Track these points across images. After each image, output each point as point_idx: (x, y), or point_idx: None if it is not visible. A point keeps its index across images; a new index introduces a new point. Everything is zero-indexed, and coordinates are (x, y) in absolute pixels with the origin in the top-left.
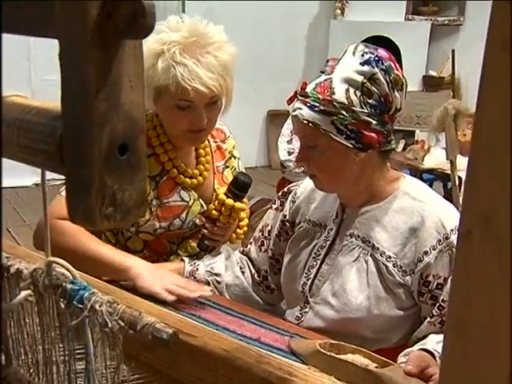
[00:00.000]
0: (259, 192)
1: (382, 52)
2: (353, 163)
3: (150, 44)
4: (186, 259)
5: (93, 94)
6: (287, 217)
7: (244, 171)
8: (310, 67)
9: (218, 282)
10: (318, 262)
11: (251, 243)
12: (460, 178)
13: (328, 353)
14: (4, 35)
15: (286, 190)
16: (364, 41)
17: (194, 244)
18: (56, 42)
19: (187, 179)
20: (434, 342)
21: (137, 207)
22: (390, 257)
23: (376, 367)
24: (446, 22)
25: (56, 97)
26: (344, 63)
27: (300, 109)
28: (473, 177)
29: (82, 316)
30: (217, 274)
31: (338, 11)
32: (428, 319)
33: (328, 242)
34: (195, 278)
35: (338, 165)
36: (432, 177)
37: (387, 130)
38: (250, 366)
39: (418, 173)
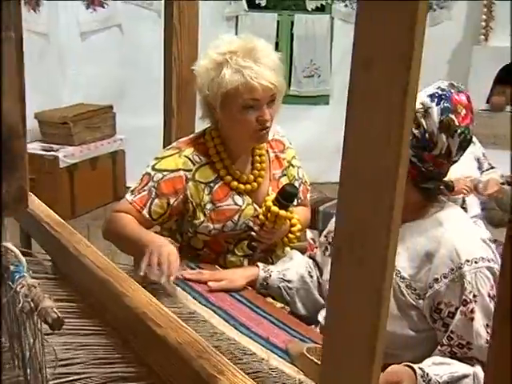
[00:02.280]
0: None
1: (460, 96)
2: None
3: (211, 58)
4: (261, 265)
5: None
6: None
7: (306, 179)
8: None
9: (290, 288)
10: None
11: (317, 247)
12: None
13: (310, 357)
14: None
15: None
16: (503, 68)
17: None
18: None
19: (241, 185)
20: (428, 362)
21: (15, 202)
22: (403, 278)
23: None
24: None
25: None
26: (422, 90)
27: None
28: (340, 198)
29: (8, 295)
30: (288, 281)
31: (482, 37)
32: (439, 347)
33: None
34: (267, 283)
35: None
36: None
37: (427, 169)
38: (191, 359)
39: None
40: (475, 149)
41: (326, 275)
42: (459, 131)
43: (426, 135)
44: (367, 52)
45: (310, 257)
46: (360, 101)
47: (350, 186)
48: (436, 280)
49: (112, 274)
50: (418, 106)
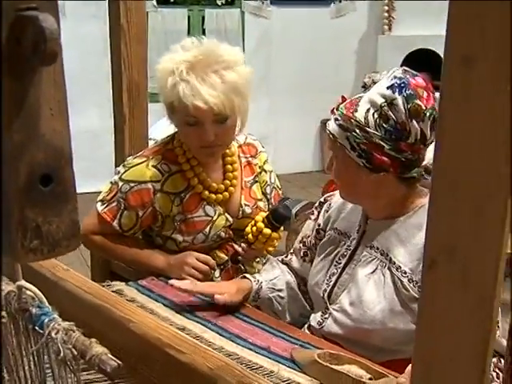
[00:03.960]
0: (312, 195)
1: (417, 80)
2: (365, 181)
3: (164, 64)
4: (250, 277)
5: (5, 124)
6: (321, 225)
7: (278, 184)
8: (360, 80)
9: (281, 297)
10: (339, 270)
11: (292, 253)
12: None
13: (324, 363)
14: None
15: (322, 200)
16: (410, 53)
17: (221, 255)
18: None
19: (212, 194)
20: None
21: (67, 239)
22: (405, 272)
23: (370, 379)
24: None
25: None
26: (377, 84)
27: (330, 120)
28: (435, 205)
29: (40, 342)
30: (279, 290)
31: (386, 27)
32: None
33: (349, 252)
34: (259, 295)
35: (351, 178)
36: None
37: (406, 159)
38: None
39: None
40: None
41: (312, 281)
42: (428, 114)
43: (398, 126)
44: (467, 47)
45: (283, 262)
46: (458, 100)
47: (445, 192)
48: None
49: (106, 298)
50: (381, 100)
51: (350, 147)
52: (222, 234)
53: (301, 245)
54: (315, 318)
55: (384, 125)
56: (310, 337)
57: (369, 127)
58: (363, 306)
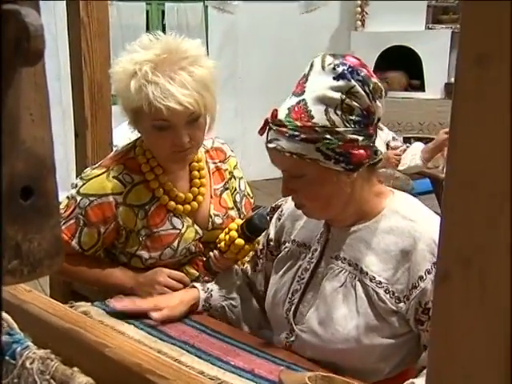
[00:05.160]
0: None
1: (352, 60)
2: (345, 186)
3: (123, 65)
4: (198, 286)
5: None
6: (271, 235)
7: (249, 191)
8: None
9: (234, 306)
10: (302, 285)
11: (249, 262)
12: None
13: None
14: None
15: (274, 205)
16: (385, 51)
17: (192, 270)
18: None
19: (179, 206)
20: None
21: (50, 257)
22: (380, 282)
23: None
24: None
25: None
26: (315, 80)
27: (277, 140)
28: (449, 211)
29: (12, 374)
30: (232, 298)
31: (359, 23)
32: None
33: (312, 265)
34: (210, 304)
35: (330, 191)
36: None
37: (373, 142)
38: None
39: (439, 182)
40: (383, 134)
41: (271, 301)
42: (382, 88)
43: (364, 112)
44: (482, 45)
45: (243, 271)
46: (472, 101)
47: (458, 198)
48: (421, 278)
49: (75, 321)
50: (337, 94)
51: (324, 157)
52: (192, 248)
53: (253, 253)
54: (280, 342)
55: (351, 117)
56: (297, 357)
57: (337, 127)
58: (334, 324)
